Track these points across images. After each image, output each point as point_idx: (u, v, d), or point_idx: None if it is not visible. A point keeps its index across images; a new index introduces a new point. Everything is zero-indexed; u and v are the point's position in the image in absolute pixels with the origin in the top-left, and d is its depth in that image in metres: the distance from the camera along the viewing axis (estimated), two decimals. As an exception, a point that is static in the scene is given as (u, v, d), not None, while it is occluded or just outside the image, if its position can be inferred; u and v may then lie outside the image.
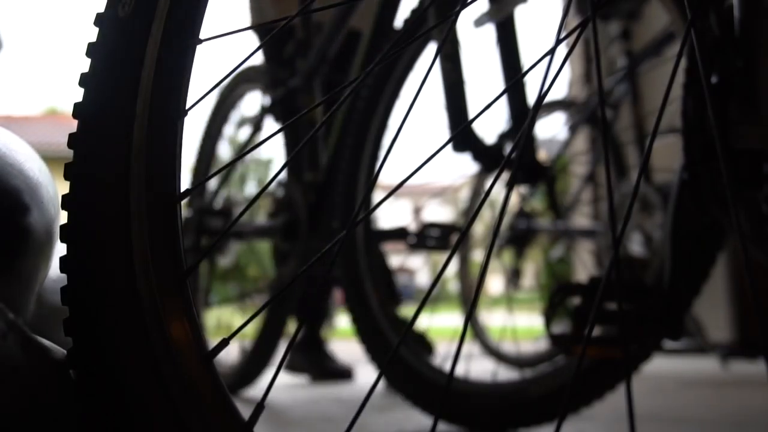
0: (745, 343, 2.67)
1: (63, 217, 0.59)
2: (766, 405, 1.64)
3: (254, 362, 2.07)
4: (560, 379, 1.30)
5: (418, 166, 0.61)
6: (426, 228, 1.68)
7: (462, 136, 1.35)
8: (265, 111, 2.04)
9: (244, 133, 2.19)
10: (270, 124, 2.06)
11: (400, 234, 1.72)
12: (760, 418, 1.46)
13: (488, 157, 1.41)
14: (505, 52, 1.42)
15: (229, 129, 2.35)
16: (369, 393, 0.50)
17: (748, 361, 2.50)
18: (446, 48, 1.35)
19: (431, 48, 1.55)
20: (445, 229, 1.67)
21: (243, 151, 2.16)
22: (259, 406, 0.54)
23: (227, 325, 2.50)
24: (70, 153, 0.58)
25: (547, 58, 0.50)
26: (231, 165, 1.48)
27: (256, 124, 2.08)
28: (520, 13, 1.44)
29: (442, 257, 2.68)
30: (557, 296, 1.13)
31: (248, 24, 2.21)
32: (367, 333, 1.53)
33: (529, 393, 1.31)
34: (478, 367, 2.07)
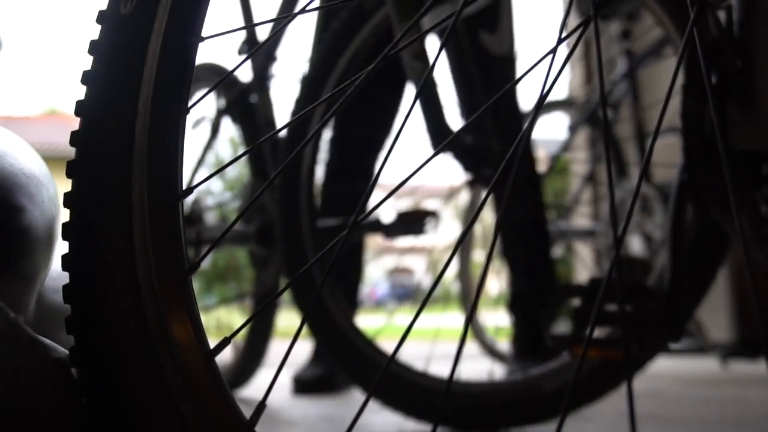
0: (745, 343, 2.67)
1: (63, 217, 0.59)
2: (766, 405, 1.64)
3: (247, 363, 2.09)
4: (558, 379, 1.29)
5: (418, 167, 0.61)
6: (400, 216, 1.66)
7: (441, 135, 1.34)
8: (221, 112, 2.04)
9: (199, 133, 2.17)
10: (227, 125, 2.06)
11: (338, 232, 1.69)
12: (760, 418, 1.46)
13: (469, 156, 1.39)
14: (452, 57, 1.39)
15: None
16: (369, 394, 0.50)
17: (748, 361, 2.50)
18: (414, 48, 1.32)
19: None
20: (420, 215, 1.65)
21: (206, 148, 2.13)
22: (261, 405, 0.54)
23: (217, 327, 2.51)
24: (70, 153, 0.58)
25: (548, 58, 0.50)
26: (227, 167, 1.49)
27: (214, 125, 2.07)
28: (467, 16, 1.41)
29: (442, 257, 2.66)
30: (557, 297, 1.13)
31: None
32: (334, 346, 1.43)
33: (540, 390, 1.30)
34: (478, 367, 2.07)
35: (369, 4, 1.41)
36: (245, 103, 1.95)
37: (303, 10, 0.58)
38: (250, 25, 1.95)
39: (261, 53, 1.90)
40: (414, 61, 1.30)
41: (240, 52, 1.92)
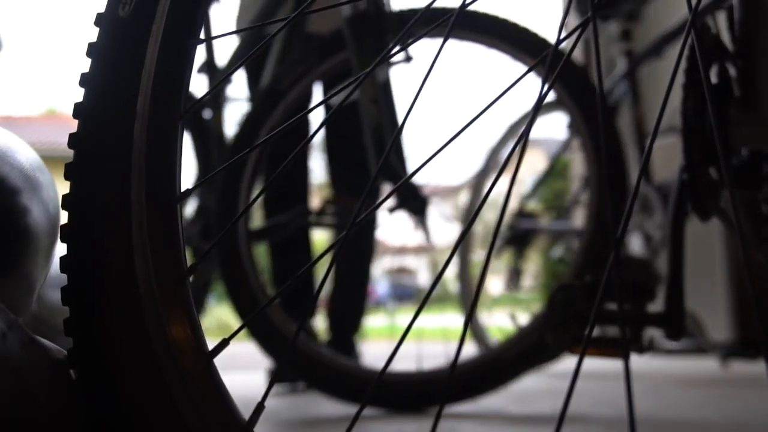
0: (745, 343, 2.67)
1: (63, 217, 0.59)
2: (766, 405, 1.64)
3: None
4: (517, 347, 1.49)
5: (416, 169, 0.61)
6: (325, 206, 1.80)
7: (384, 169, 1.53)
8: None
9: None
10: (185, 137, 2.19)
11: (280, 229, 1.81)
12: (760, 418, 1.46)
13: (407, 188, 1.57)
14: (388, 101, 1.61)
15: None
16: (369, 394, 0.50)
17: (748, 361, 2.50)
18: (369, 91, 1.52)
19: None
20: (347, 203, 1.79)
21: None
22: (260, 406, 0.54)
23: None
24: (70, 153, 0.58)
25: (548, 58, 0.50)
26: (224, 168, 1.54)
27: None
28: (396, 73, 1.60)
29: (442, 257, 2.66)
30: (557, 296, 1.13)
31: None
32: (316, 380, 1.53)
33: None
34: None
35: (283, 85, 1.62)
36: (199, 118, 2.08)
37: (273, 36, 0.59)
38: (247, 28, 1.99)
39: (217, 73, 2.03)
40: (370, 105, 1.53)
41: (199, 72, 2.05)
